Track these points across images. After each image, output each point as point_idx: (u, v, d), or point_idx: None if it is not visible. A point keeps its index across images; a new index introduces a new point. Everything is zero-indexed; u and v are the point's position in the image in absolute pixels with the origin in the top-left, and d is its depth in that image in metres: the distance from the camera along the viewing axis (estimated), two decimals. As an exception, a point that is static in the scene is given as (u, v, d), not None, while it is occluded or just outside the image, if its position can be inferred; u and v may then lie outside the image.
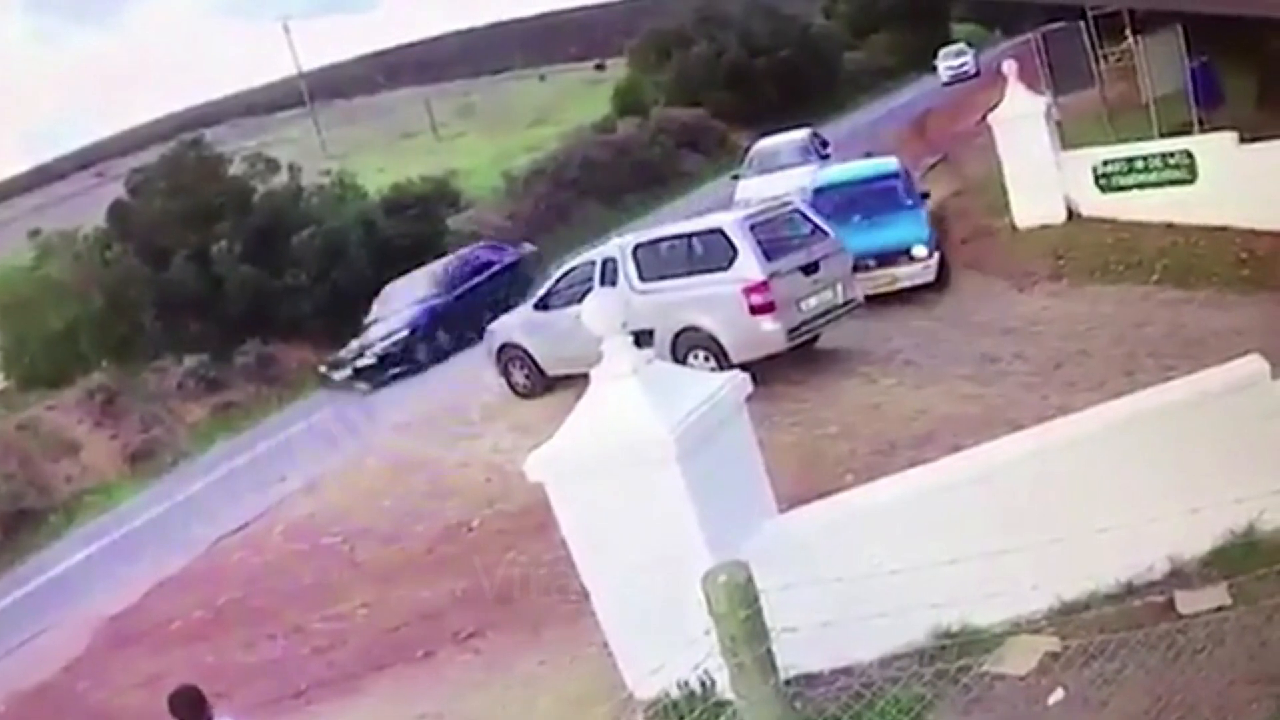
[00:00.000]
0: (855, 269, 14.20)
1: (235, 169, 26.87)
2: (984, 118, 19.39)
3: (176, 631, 12.26)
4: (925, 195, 18.07)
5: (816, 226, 14.15)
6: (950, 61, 45.87)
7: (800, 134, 23.46)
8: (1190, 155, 15.84)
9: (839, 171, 18.23)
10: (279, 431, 19.79)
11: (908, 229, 15.73)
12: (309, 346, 24.80)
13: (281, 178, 27.21)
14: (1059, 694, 6.42)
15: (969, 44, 46.73)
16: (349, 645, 10.68)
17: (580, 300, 7.89)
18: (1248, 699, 5.97)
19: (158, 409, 23.33)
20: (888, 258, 15.09)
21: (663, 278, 13.59)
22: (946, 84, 43.74)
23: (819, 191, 16.49)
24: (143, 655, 11.82)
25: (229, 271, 24.50)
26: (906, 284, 15.18)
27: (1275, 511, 7.03)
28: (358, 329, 22.45)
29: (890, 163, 18.38)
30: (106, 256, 25.28)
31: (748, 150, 24.14)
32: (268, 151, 28.72)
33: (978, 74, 40.98)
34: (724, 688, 5.29)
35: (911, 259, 15.12)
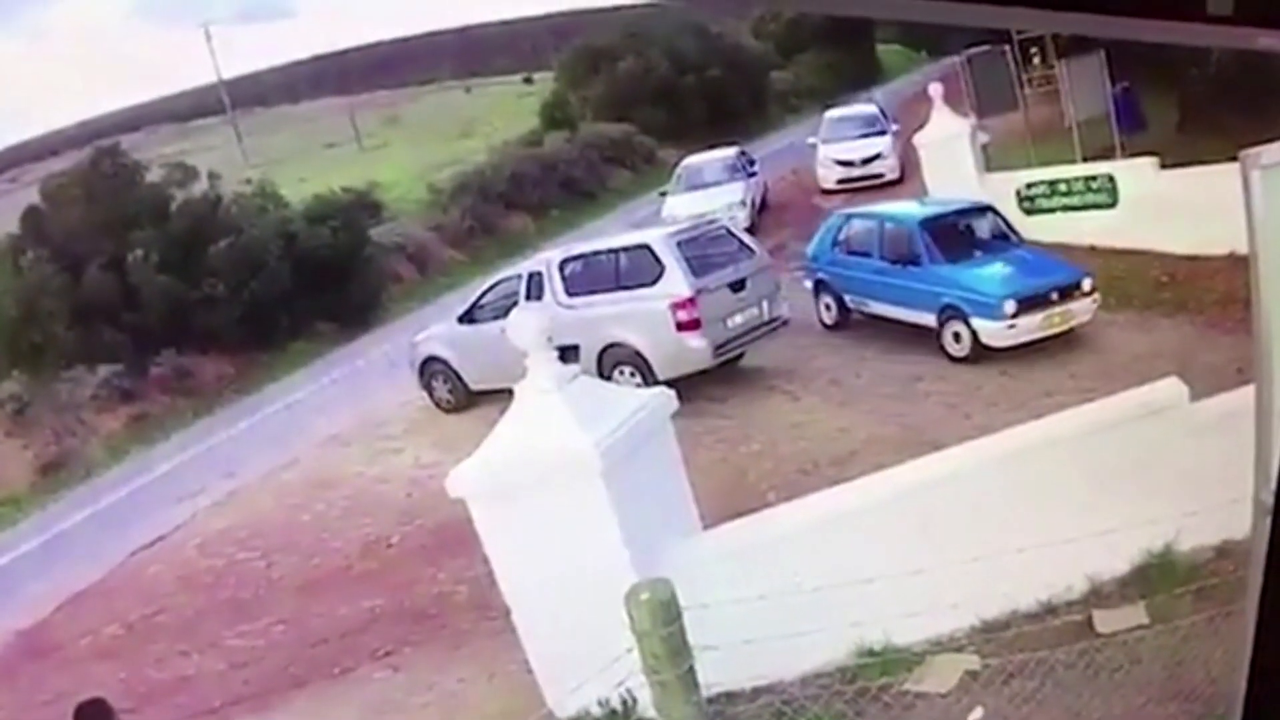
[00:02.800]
0: (1035, 304, 13.30)
1: (153, 176, 26.29)
2: (909, 139, 19.58)
3: (88, 647, 11.97)
4: None
5: (743, 244, 14.21)
6: (837, 148, 22.29)
7: (728, 152, 23.53)
8: (1112, 179, 16.13)
9: (933, 204, 16.13)
10: (194, 444, 19.46)
11: (1054, 262, 14.40)
12: (226, 358, 24.37)
13: (201, 186, 26.67)
14: (978, 712, 6.46)
15: (880, 109, 23.77)
16: (265, 662, 10.50)
17: (506, 315, 7.85)
18: (1164, 717, 6.04)
19: (70, 420, 22.80)
20: (1066, 292, 13.55)
21: (589, 293, 13.56)
22: (829, 191, 21.66)
23: (926, 222, 14.68)
24: (52, 671, 11.53)
25: (145, 281, 23.98)
26: (1075, 323, 13.62)
27: (1192, 532, 7.14)
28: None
29: (963, 199, 16.40)
30: (19, 264, 24.70)
31: (675, 167, 24.18)
32: (187, 159, 28.14)
33: (900, 179, 21.09)
34: (646, 705, 5.26)
35: (1083, 293, 13.63)
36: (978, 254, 14.44)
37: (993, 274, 13.97)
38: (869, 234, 15.24)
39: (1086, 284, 13.62)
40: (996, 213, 15.24)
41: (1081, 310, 13.55)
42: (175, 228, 25.08)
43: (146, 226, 24.69)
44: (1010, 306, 13.30)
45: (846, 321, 15.40)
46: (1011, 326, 13.29)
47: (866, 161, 21.84)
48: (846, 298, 15.35)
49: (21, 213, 26.62)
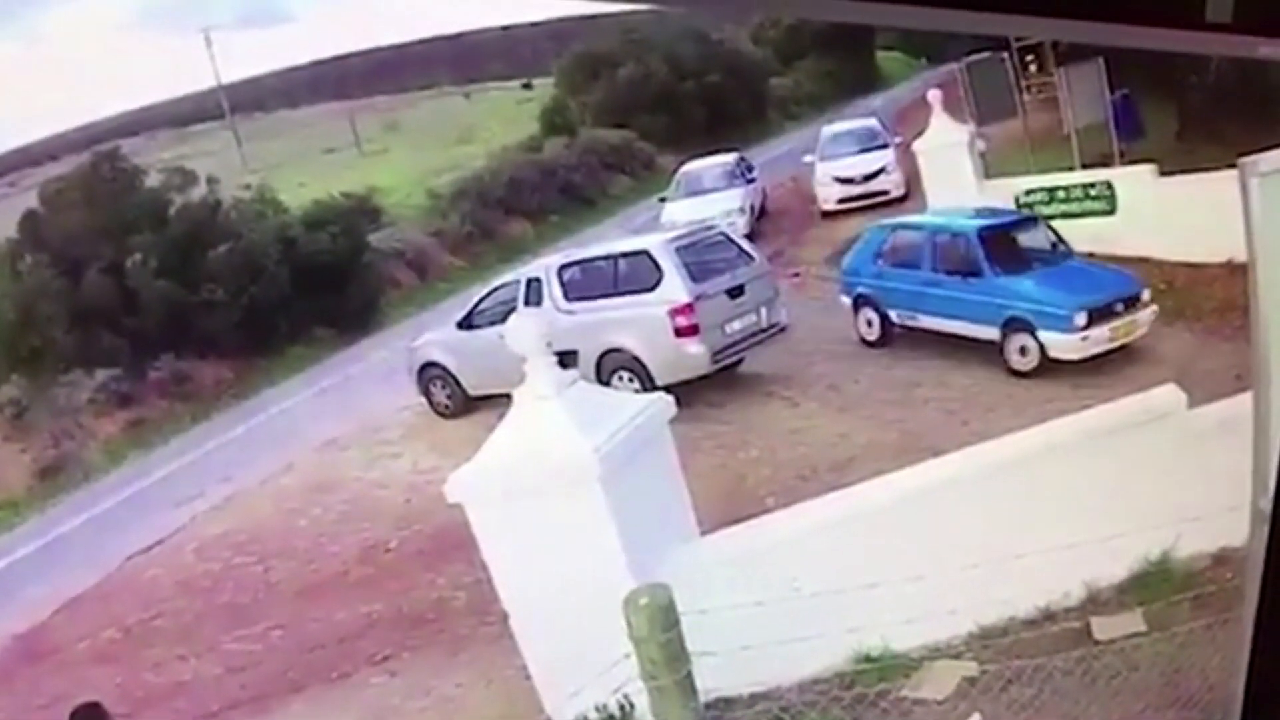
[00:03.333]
0: (1103, 316, 12.93)
1: (152, 181, 26.26)
2: (907, 142, 19.61)
3: (85, 651, 11.97)
4: None
5: (742, 250, 14.22)
6: (836, 165, 21.03)
7: (727, 158, 23.53)
8: (1110, 186, 16.13)
9: (984, 214, 15.41)
10: (193, 448, 19.45)
11: (1112, 274, 13.90)
12: (225, 363, 24.36)
13: (200, 191, 26.65)
14: (975, 719, 6.45)
15: (880, 122, 22.57)
16: (263, 667, 10.50)
17: (504, 320, 7.86)
18: (1161, 725, 6.05)
19: (68, 424, 22.77)
20: (1129, 303, 13.16)
21: (588, 298, 13.59)
22: (828, 214, 20.38)
23: (983, 232, 14.17)
24: (49, 675, 11.53)
25: (143, 286, 23.98)
26: (1138, 334, 13.20)
27: (1189, 539, 7.15)
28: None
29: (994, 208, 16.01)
30: (18, 268, 24.71)
31: (675, 173, 24.21)
32: (186, 164, 28.12)
33: (905, 196, 19.56)
34: (644, 711, 5.26)
35: (1143, 304, 13.21)
36: (1036, 265, 14.01)
37: (1059, 285, 13.54)
38: (918, 245, 14.70)
39: (1145, 294, 13.30)
40: (1047, 223, 14.88)
41: (1143, 321, 13.22)
42: (174, 232, 25.08)
43: (145, 231, 24.69)
44: (1082, 318, 12.92)
45: (890, 337, 14.84)
46: (1084, 339, 12.91)
47: (869, 178, 20.54)
48: (892, 312, 14.73)
49: (20, 217, 26.63)
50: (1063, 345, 12.95)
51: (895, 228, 15.39)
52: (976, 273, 13.80)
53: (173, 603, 12.46)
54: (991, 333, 13.52)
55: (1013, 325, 13.33)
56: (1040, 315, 13.17)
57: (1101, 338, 12.94)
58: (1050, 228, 14.74)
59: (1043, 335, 13.08)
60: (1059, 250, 14.40)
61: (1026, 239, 14.48)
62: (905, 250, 14.83)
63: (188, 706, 10.01)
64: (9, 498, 20.64)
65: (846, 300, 15.25)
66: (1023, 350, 13.27)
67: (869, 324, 15.01)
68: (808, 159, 21.69)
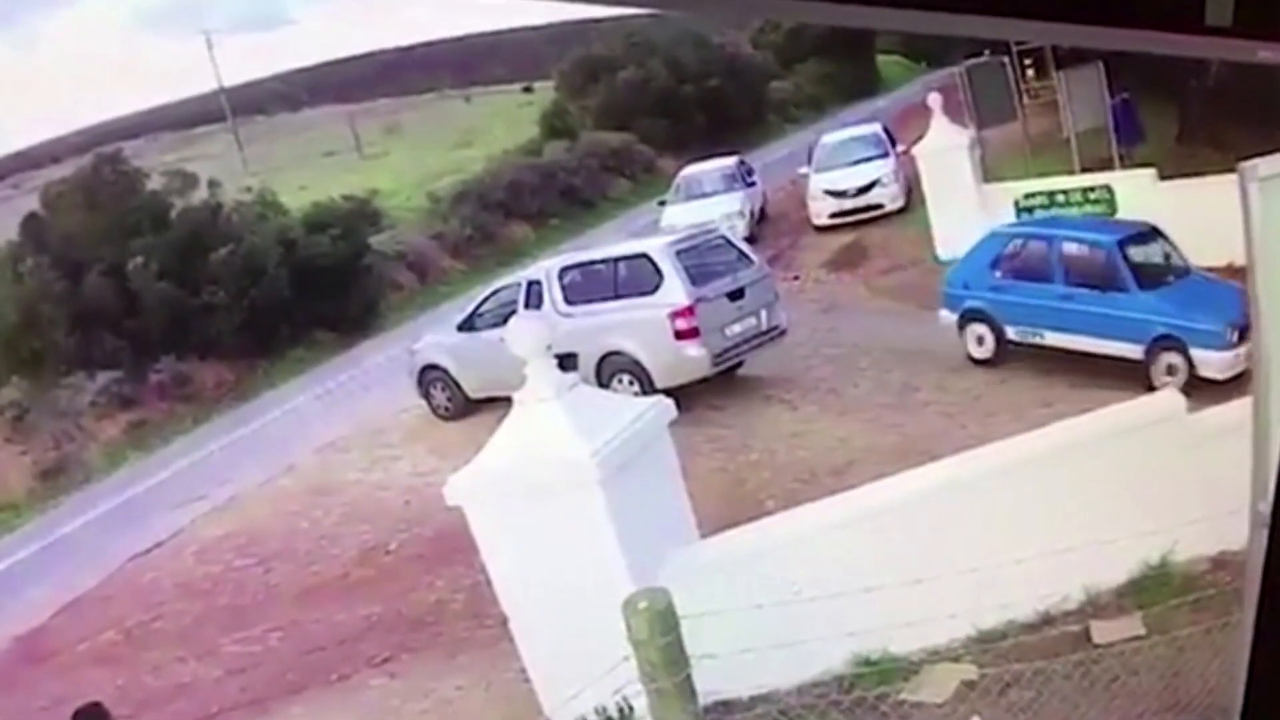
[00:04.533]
0: (1245, 332, 11.13)
1: (153, 184, 26.28)
2: (908, 149, 19.61)
3: (85, 653, 11.98)
4: None
5: (742, 253, 14.24)
6: (829, 176, 19.99)
7: (727, 161, 23.53)
8: (1110, 190, 16.14)
9: (1112, 224, 14.81)
10: (194, 451, 19.47)
11: (1230, 286, 12.19)
12: (225, 366, 24.38)
13: (201, 193, 26.67)
14: (975, 722, 6.47)
15: (884, 128, 21.25)
16: (263, 669, 10.51)
17: (505, 323, 7.87)
18: (1160, 728, 6.05)
19: (69, 426, 22.79)
20: (1244, 330, 11.45)
21: (588, 301, 13.60)
22: (822, 228, 19.58)
23: (1126, 242, 13.19)
24: (49, 677, 11.54)
25: (145, 288, 23.99)
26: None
27: (1189, 543, 7.15)
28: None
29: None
30: (20, 270, 24.73)
31: (675, 176, 24.23)
32: (187, 167, 28.13)
33: (904, 207, 19.10)
34: (643, 714, 5.26)
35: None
36: (1169, 279, 13.10)
37: (1201, 301, 12.60)
38: (1044, 256, 13.65)
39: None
40: (1163, 235, 13.71)
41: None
42: (175, 235, 25.09)
43: (147, 234, 24.71)
44: (1233, 335, 11.93)
45: (1004, 356, 13.69)
46: (1236, 356, 11.82)
47: (862, 191, 19.60)
48: (1010, 329, 13.64)
49: (22, 219, 26.64)
50: (1215, 363, 12.09)
51: (1013, 236, 14.38)
52: (1121, 288, 12.92)
53: (173, 604, 12.47)
54: (1135, 351, 12.63)
55: (1162, 343, 12.50)
56: (1192, 332, 12.34)
57: (1244, 355, 11.58)
58: (1168, 240, 13.64)
59: (1195, 353, 12.26)
60: (1174, 263, 13.40)
61: (1139, 252, 13.42)
62: (1027, 261, 13.86)
63: (188, 708, 10.02)
64: (10, 499, 20.63)
65: (950, 315, 14.15)
66: (1170, 369, 12.40)
67: (979, 341, 13.90)
68: (803, 171, 20.83)
